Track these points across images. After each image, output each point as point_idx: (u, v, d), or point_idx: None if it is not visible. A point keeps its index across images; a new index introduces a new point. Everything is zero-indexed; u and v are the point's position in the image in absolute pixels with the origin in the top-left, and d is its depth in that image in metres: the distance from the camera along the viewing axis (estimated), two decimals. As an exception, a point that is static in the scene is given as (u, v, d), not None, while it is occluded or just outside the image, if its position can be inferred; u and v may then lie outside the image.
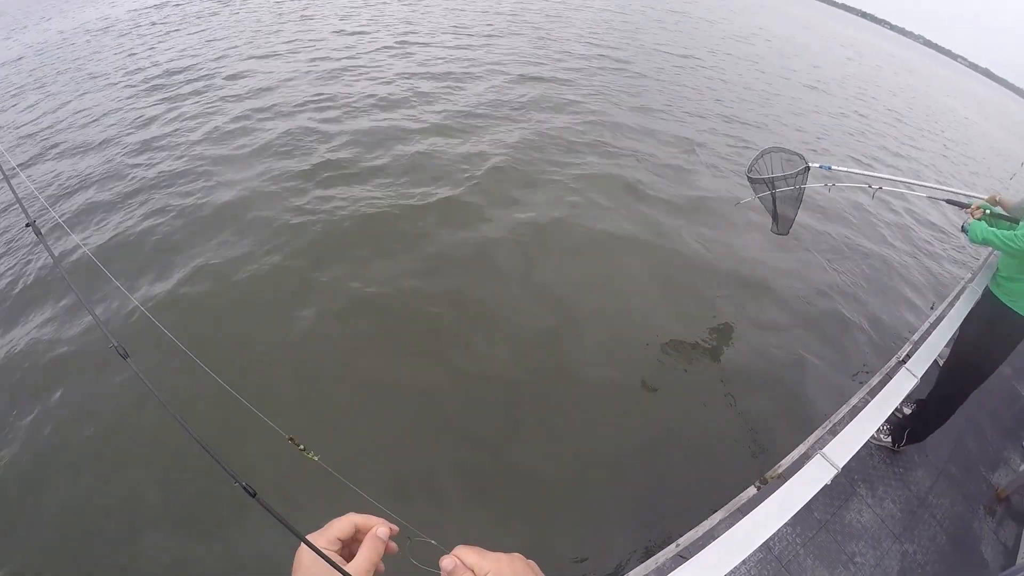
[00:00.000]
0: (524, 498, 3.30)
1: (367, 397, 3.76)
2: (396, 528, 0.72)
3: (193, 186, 6.00)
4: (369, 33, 13.06)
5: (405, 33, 13.25)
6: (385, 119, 7.93)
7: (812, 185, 4.49)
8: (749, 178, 4.63)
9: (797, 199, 4.51)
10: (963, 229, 3.05)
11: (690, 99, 11.92)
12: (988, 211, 3.11)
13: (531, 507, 3.25)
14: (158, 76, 9.73)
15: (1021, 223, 2.77)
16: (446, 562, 0.64)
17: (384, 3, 17.04)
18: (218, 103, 8.36)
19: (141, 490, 3.15)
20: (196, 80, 9.46)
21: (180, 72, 9.89)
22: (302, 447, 0.85)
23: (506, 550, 0.68)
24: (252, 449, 3.10)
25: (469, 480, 3.34)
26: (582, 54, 13.72)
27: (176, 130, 7.46)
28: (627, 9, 24.74)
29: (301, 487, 2.77)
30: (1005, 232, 2.71)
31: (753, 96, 13.86)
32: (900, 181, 4.18)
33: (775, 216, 4.71)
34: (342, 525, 0.69)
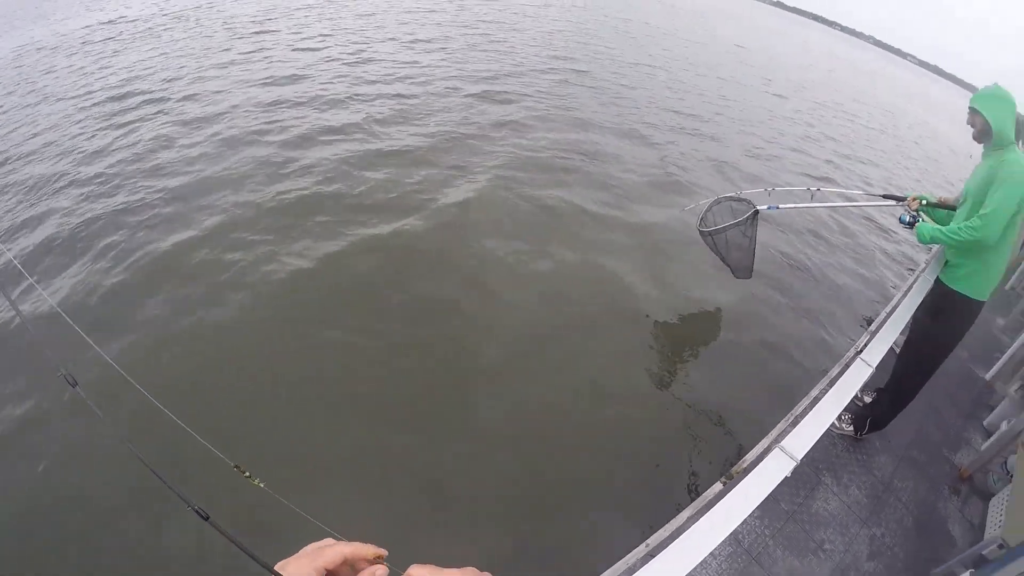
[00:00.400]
0: (488, 508, 3.28)
1: (314, 417, 3.71)
2: (384, 552, 0.70)
3: (142, 221, 5.70)
4: (321, 50, 12.57)
5: (359, 51, 12.75)
6: (341, 145, 7.58)
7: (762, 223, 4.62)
8: (700, 231, 4.73)
9: (751, 246, 4.61)
10: (901, 220, 3.18)
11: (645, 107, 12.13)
12: (924, 201, 3.24)
13: (495, 517, 3.24)
14: (108, 100, 9.24)
15: (957, 213, 2.90)
16: None
17: (338, 19, 16.47)
18: (168, 129, 7.89)
19: (94, 519, 3.06)
20: (147, 104, 8.96)
21: (131, 96, 9.34)
22: (247, 474, 0.85)
23: (469, 562, 0.68)
24: (206, 479, 3.03)
25: (426, 492, 3.33)
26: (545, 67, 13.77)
27: (122, 160, 6.99)
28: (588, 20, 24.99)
29: (257, 516, 2.73)
30: (951, 227, 2.82)
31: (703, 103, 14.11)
32: (838, 202, 4.32)
33: (734, 267, 4.83)
34: (330, 554, 0.66)
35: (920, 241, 3.06)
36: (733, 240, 4.60)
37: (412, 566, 0.64)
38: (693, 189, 8.16)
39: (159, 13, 16.29)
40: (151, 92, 9.43)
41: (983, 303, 2.97)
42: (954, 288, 2.96)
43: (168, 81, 9.99)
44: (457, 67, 12.16)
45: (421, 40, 14.46)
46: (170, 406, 1.10)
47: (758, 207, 4.41)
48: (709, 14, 44.89)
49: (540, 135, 9.00)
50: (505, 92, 10.84)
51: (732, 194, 4.80)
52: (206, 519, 0.70)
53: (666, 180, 8.45)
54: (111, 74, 10.59)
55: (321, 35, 14.07)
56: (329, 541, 0.70)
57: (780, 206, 4.21)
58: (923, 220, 3.18)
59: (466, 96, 10.24)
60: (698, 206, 4.79)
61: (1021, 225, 2.78)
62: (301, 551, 0.67)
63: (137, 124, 8.09)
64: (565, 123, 9.79)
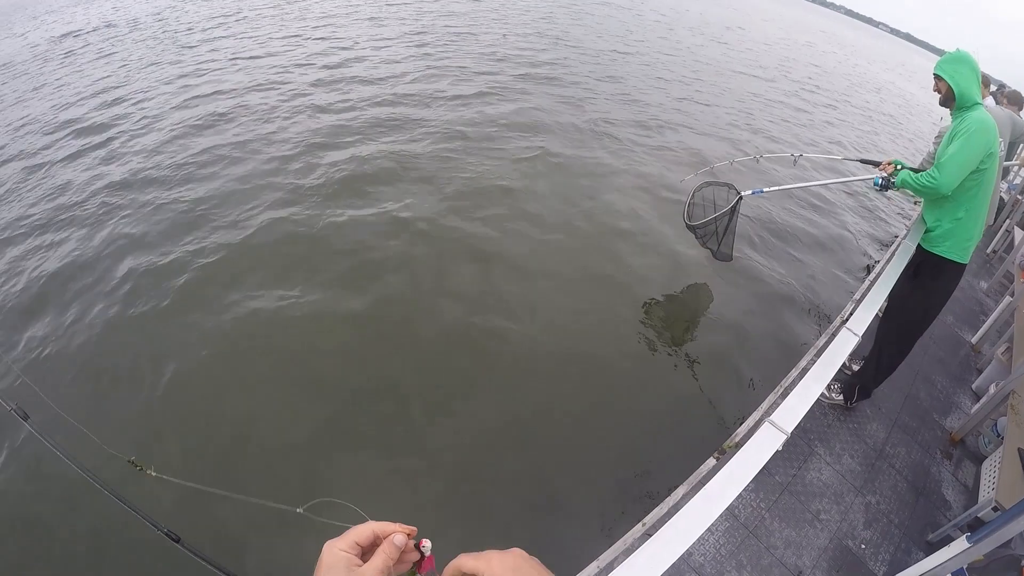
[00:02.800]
0: (481, 496, 3.28)
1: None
2: (414, 529, 0.71)
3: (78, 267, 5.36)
4: (282, 66, 11.41)
5: (317, 56, 11.96)
6: (291, 177, 6.67)
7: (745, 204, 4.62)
8: (688, 226, 4.71)
9: (734, 229, 4.61)
10: (874, 184, 3.24)
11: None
12: (899, 165, 3.28)
13: (488, 505, 3.25)
14: (47, 131, 8.65)
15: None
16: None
17: (297, 32, 14.59)
18: (99, 168, 7.18)
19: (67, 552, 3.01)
20: (90, 133, 8.36)
21: (69, 126, 8.71)
22: (139, 466, 0.85)
23: (463, 548, 0.68)
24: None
25: (421, 478, 3.34)
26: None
27: (64, 199, 6.48)
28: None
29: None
30: (923, 174, 2.89)
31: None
32: (819, 176, 4.37)
33: (715, 252, 4.80)
34: (361, 530, 0.68)
35: (896, 185, 3.13)
36: (719, 228, 4.61)
37: (461, 555, 0.65)
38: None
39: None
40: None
41: (963, 266, 3.01)
42: (933, 251, 3.01)
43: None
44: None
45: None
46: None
47: (742, 192, 4.41)
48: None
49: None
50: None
51: (715, 180, 4.79)
52: (177, 541, 0.69)
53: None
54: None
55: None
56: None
57: (764, 189, 4.23)
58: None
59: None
60: (687, 184, 4.76)
61: (997, 186, 2.82)
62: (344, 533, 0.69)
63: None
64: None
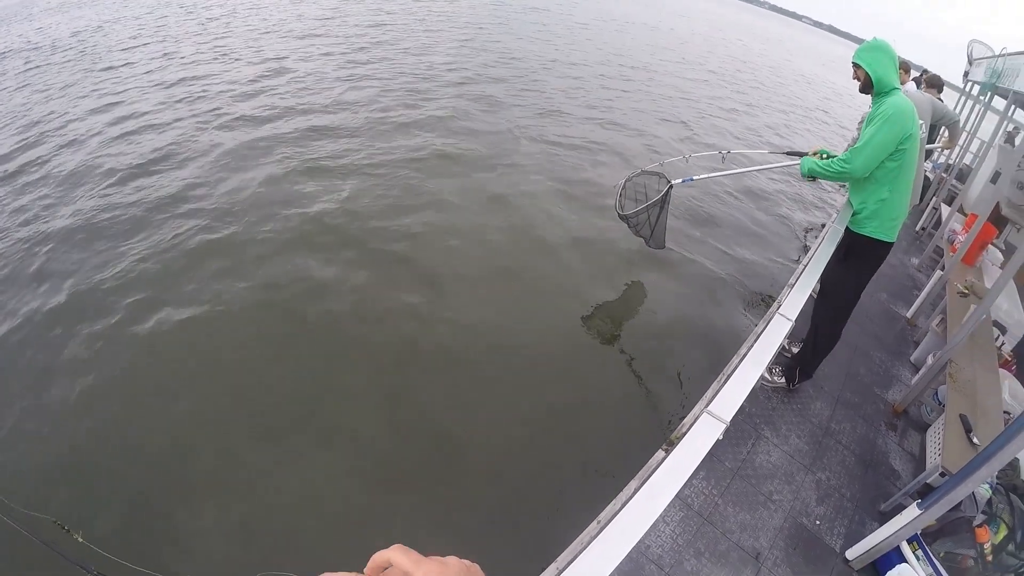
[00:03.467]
0: (430, 512, 3.25)
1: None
2: None
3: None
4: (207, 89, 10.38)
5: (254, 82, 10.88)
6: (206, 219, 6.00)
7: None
8: (620, 216, 4.78)
9: (666, 218, 4.72)
10: (803, 175, 3.34)
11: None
12: (825, 154, 3.41)
13: (440, 522, 3.20)
14: None
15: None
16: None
17: (224, 54, 13.11)
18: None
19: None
20: None
21: None
22: (66, 528, 0.82)
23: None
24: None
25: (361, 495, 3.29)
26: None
27: None
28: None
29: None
30: (825, 161, 3.05)
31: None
32: (748, 166, 4.60)
33: (648, 240, 4.89)
34: None
35: (801, 173, 3.26)
36: (651, 217, 4.70)
37: (395, 546, 0.59)
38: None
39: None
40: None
41: (891, 245, 3.13)
42: (861, 232, 3.12)
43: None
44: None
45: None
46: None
47: (672, 181, 4.50)
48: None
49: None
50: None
51: (645, 168, 4.87)
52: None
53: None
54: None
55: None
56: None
57: (694, 177, 4.32)
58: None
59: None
60: (617, 185, 4.83)
61: (920, 166, 2.95)
62: None
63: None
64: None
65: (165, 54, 12.76)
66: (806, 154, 3.49)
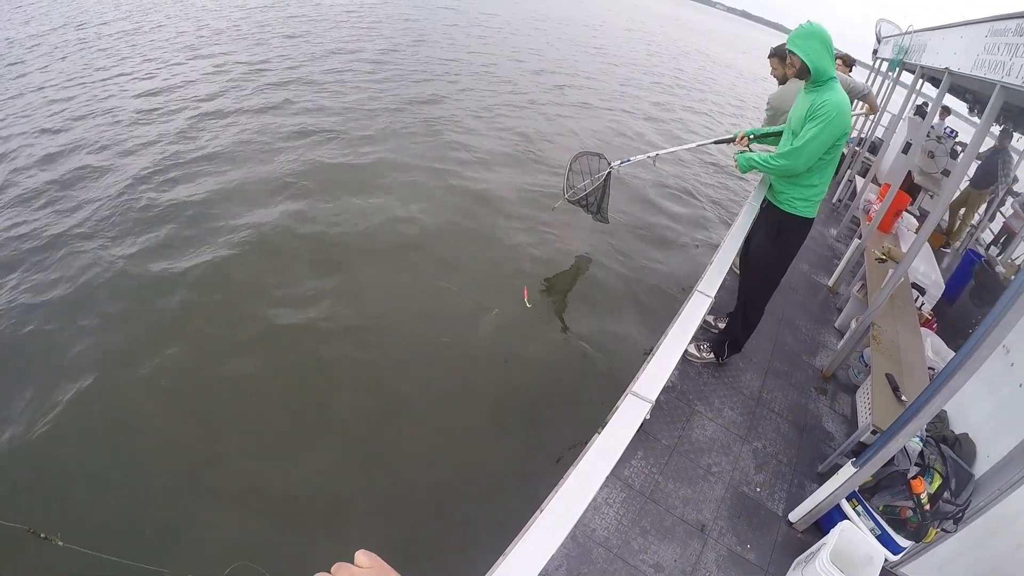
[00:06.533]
0: (373, 516, 3.18)
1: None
2: None
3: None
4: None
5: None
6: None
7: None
8: (570, 201, 5.04)
9: (608, 196, 5.09)
10: (740, 170, 3.42)
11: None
12: (752, 135, 3.51)
13: (384, 521, 3.15)
14: None
15: (781, 140, 3.17)
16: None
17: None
18: None
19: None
20: None
21: None
22: (43, 535, 0.79)
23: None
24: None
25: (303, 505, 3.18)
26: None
27: None
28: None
29: None
30: (764, 156, 3.10)
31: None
32: (678, 149, 4.99)
33: (595, 215, 5.23)
34: None
35: (739, 170, 3.31)
36: (596, 198, 5.04)
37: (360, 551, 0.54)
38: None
39: None
40: None
41: (812, 220, 3.26)
42: (790, 212, 3.18)
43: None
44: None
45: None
46: None
47: (612, 164, 4.83)
48: None
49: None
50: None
51: (587, 150, 5.08)
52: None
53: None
54: None
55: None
56: None
57: (630, 158, 4.61)
58: (752, 151, 3.39)
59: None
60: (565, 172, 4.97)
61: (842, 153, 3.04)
62: None
63: None
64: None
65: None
66: (733, 139, 3.59)
